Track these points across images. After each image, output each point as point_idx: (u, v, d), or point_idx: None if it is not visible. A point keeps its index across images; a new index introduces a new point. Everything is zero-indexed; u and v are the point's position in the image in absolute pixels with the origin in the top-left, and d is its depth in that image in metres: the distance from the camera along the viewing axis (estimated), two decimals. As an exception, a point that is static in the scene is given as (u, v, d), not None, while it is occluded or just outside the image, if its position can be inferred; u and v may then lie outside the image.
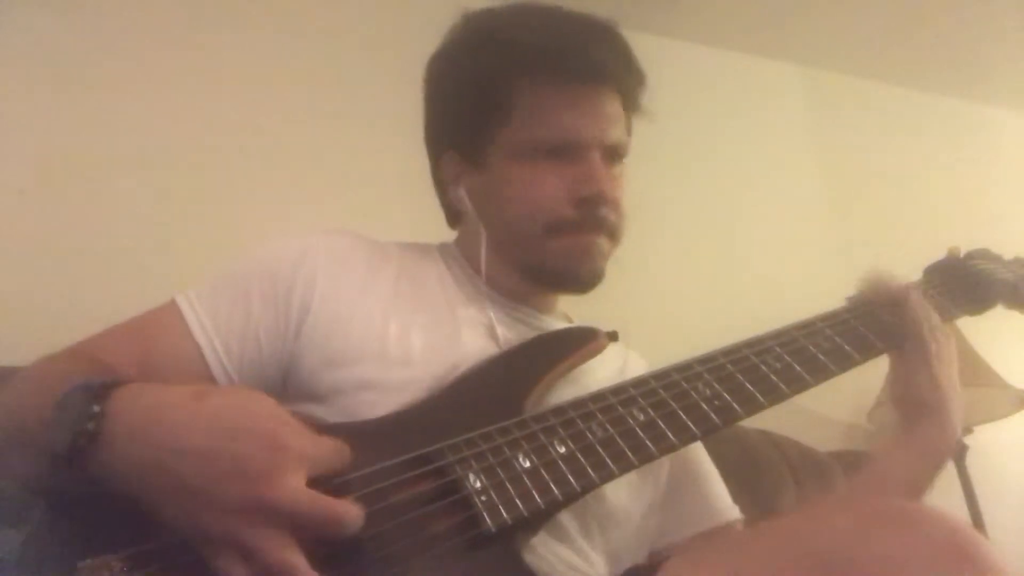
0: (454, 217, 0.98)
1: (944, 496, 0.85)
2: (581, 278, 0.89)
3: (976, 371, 2.00)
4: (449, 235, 1.01)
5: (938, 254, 1.10)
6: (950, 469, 1.99)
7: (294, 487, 0.55)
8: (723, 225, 2.25)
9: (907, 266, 1.04)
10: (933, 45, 2.53)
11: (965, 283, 1.04)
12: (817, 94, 2.58)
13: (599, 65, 0.87)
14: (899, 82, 2.69)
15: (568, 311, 1.01)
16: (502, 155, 0.88)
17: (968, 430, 2.05)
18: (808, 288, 0.93)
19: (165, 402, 0.59)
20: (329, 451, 0.59)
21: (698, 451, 0.98)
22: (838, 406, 2.14)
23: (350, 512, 0.56)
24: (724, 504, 0.96)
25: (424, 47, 0.95)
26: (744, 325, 0.86)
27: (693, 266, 2.14)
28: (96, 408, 0.57)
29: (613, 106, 0.89)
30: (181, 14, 1.75)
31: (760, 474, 1.67)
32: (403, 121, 0.97)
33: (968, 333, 2.01)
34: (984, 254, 1.10)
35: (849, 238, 2.35)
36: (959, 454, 2.01)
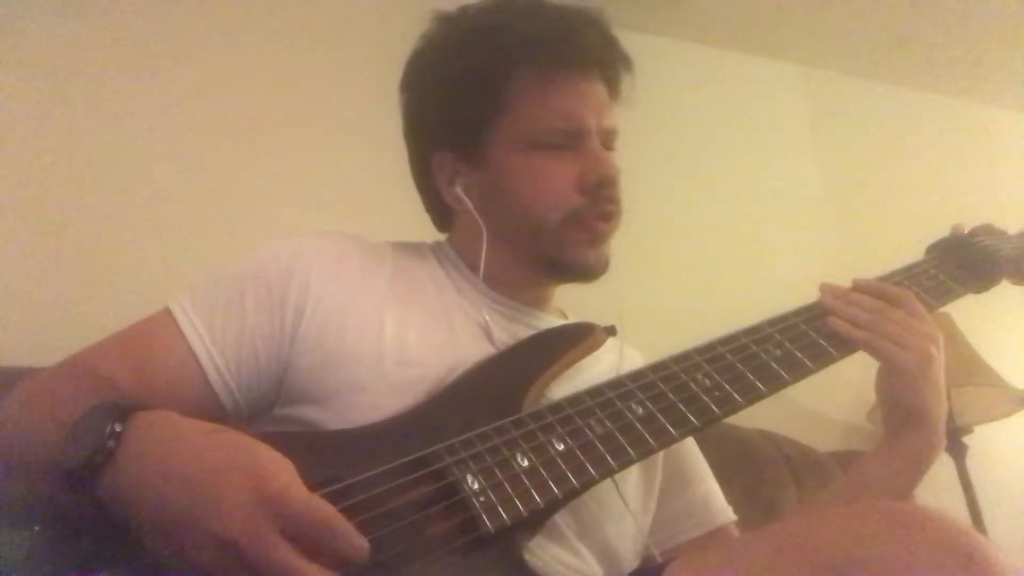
0: (443, 218, 0.97)
1: (944, 496, 0.84)
2: (595, 267, 0.88)
3: (976, 371, 2.00)
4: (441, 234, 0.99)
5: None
6: (950, 469, 1.99)
7: (266, 531, 0.52)
8: (723, 224, 2.25)
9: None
10: (933, 45, 2.53)
11: (969, 260, 1.01)
12: (817, 94, 2.58)
13: (593, 52, 0.87)
14: (899, 82, 2.69)
15: (564, 307, 1.00)
16: (503, 149, 0.86)
17: (968, 430, 2.05)
18: (806, 289, 0.92)
19: (181, 432, 0.59)
20: (316, 512, 0.55)
21: (691, 451, 0.97)
22: (838, 406, 2.14)
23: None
24: (718, 507, 0.95)
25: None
26: (743, 323, 0.86)
27: (695, 266, 2.14)
28: (118, 427, 0.57)
29: (604, 92, 0.89)
30: (180, 16, 1.75)
31: (760, 474, 1.66)
32: (398, 122, 0.96)
33: (968, 332, 2.01)
34: (987, 230, 1.07)
35: (848, 237, 2.35)
36: (959, 454, 2.00)
